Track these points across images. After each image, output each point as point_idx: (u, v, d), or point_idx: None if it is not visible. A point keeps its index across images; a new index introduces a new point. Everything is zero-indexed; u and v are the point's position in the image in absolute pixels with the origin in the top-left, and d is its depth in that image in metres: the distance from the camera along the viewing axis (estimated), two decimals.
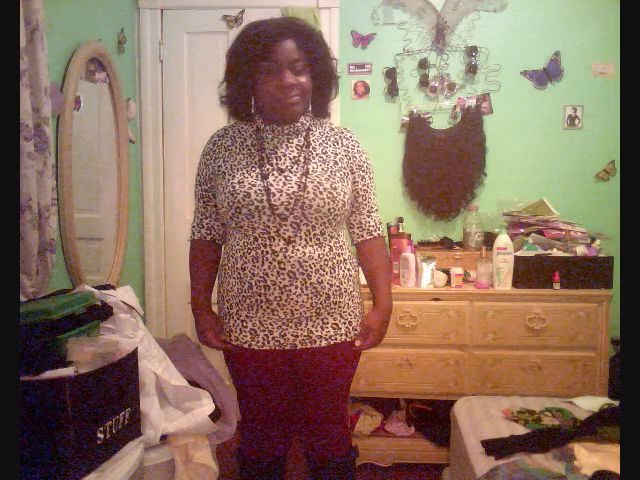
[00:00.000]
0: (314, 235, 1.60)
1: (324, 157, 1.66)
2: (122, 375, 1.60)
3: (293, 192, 1.58)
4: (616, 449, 1.66)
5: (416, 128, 3.07)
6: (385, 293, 1.74)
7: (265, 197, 1.58)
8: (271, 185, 1.59)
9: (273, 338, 1.65)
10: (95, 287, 1.97)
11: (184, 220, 3.17)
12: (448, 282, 2.67)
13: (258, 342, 1.66)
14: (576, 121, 3.07)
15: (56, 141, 2.14)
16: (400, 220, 2.96)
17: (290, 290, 1.59)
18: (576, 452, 1.70)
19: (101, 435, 1.49)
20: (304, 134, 1.68)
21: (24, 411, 1.35)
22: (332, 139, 1.71)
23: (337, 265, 1.65)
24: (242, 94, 1.65)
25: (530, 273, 2.60)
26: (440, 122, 3.10)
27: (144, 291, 3.18)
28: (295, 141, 1.67)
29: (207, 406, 1.99)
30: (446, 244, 3.00)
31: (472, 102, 3.07)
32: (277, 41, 1.56)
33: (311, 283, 1.60)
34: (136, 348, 1.70)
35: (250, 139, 1.68)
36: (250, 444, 1.86)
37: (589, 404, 2.17)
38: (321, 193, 1.58)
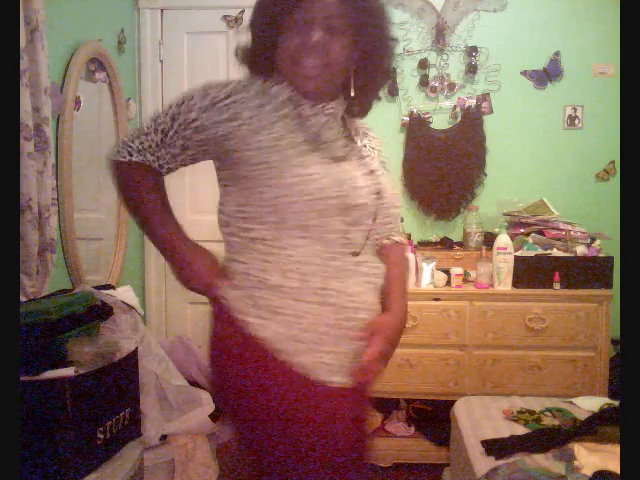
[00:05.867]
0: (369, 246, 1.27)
1: (369, 153, 1.33)
2: (122, 375, 1.60)
3: (370, 191, 1.24)
4: (616, 449, 1.66)
5: (416, 128, 3.07)
6: (399, 296, 1.34)
7: (351, 192, 1.19)
8: (348, 179, 1.20)
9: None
10: (95, 287, 1.97)
11: (184, 220, 3.15)
12: (448, 282, 2.67)
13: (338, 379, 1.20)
14: (576, 121, 3.07)
15: (56, 141, 2.14)
16: (400, 220, 2.96)
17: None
18: (576, 452, 1.70)
19: (101, 435, 1.49)
20: (341, 122, 1.30)
21: (24, 411, 1.35)
22: (361, 132, 1.37)
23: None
24: (262, 49, 1.23)
25: (530, 273, 2.60)
26: (440, 122, 3.10)
27: (144, 291, 3.18)
28: (336, 126, 1.27)
29: (207, 406, 2.00)
30: (446, 244, 2.99)
31: (472, 102, 3.07)
32: None
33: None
34: (136, 348, 1.70)
35: (283, 108, 1.19)
36: None
37: (589, 404, 2.17)
38: (390, 194, 1.31)
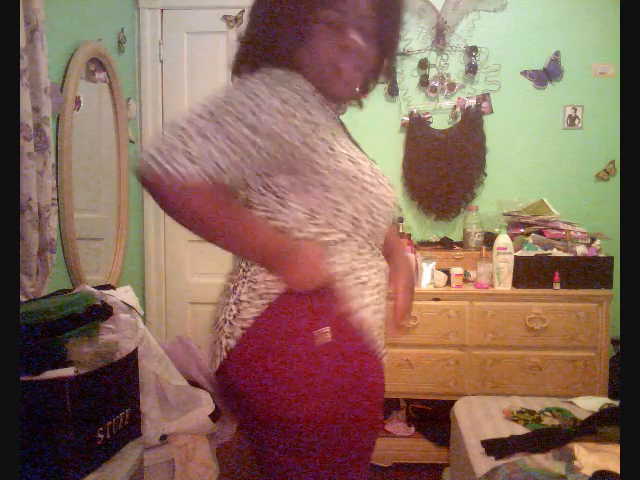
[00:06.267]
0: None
1: None
2: (122, 375, 1.60)
3: None
4: (616, 449, 1.66)
5: (416, 128, 3.07)
6: (399, 246, 1.35)
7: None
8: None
9: None
10: (95, 287, 1.97)
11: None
12: (448, 282, 2.67)
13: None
14: (576, 121, 3.07)
15: (56, 141, 2.14)
16: (400, 220, 2.97)
17: None
18: (576, 452, 1.70)
19: (101, 435, 1.49)
20: None
21: (24, 411, 1.35)
22: None
23: None
24: (280, 41, 1.12)
25: (530, 273, 2.60)
26: (440, 122, 3.10)
27: (144, 291, 3.18)
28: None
29: (207, 406, 2.00)
30: (446, 244, 3.00)
31: (472, 102, 3.07)
32: None
33: None
34: (136, 348, 1.70)
35: (327, 110, 1.13)
36: None
37: (589, 404, 2.18)
38: None
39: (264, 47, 1.13)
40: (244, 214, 1.08)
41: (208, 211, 1.00)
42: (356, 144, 1.21)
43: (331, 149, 1.07)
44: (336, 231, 1.11)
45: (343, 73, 1.12)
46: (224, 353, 1.12)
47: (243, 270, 1.15)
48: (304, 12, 1.09)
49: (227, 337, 1.13)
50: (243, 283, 1.14)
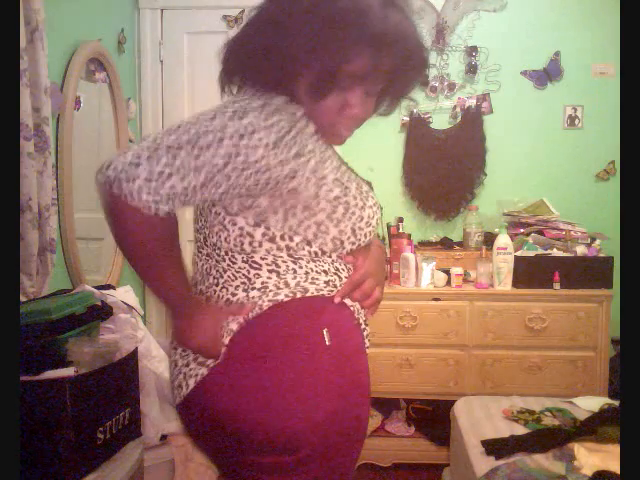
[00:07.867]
0: None
1: None
2: (122, 375, 1.60)
3: None
4: (616, 449, 1.66)
5: (416, 128, 3.07)
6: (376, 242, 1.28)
7: None
8: None
9: None
10: (95, 287, 1.97)
11: (184, 220, 3.15)
12: (448, 282, 2.67)
13: None
14: (576, 121, 3.07)
15: (56, 141, 2.14)
16: (400, 220, 2.96)
17: None
18: (576, 452, 1.70)
19: (101, 435, 1.49)
20: None
21: (24, 411, 1.35)
22: None
23: None
24: (288, 71, 1.03)
25: (530, 273, 2.60)
26: (440, 122, 3.10)
27: (144, 291, 3.18)
28: None
29: None
30: (446, 244, 2.99)
31: (472, 102, 3.07)
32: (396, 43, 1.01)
33: None
34: (136, 348, 1.70)
35: (316, 135, 1.05)
36: None
37: (589, 404, 2.17)
38: None
39: (272, 65, 1.04)
40: (168, 256, 1.04)
41: (154, 240, 0.98)
42: (345, 164, 1.15)
43: (314, 173, 1.01)
44: (315, 249, 1.06)
45: (340, 134, 1.09)
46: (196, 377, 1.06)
47: (214, 278, 1.08)
48: (334, 52, 0.98)
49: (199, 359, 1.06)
50: (219, 296, 1.06)
